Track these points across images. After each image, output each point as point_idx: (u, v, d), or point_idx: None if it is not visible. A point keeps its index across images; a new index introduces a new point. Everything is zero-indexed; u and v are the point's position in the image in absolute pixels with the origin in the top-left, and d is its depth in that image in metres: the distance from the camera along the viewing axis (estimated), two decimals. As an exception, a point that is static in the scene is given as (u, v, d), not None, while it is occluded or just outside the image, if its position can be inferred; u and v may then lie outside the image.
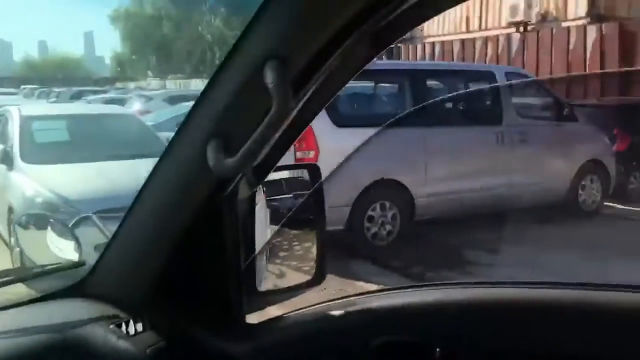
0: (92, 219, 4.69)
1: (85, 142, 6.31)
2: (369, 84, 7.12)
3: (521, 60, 12.31)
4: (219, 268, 1.15)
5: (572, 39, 11.75)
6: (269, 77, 0.89)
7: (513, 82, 7.42)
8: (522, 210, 6.00)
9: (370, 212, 5.95)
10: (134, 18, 43.72)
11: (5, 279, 1.21)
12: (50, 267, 1.29)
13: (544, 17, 13.28)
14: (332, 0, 0.89)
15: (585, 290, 1.20)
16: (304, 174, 1.32)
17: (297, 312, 1.27)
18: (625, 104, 9.23)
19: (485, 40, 13.32)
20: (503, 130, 6.66)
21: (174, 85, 31.61)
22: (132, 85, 33.51)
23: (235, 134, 0.98)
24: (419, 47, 14.92)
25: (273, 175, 1.17)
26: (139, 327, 1.15)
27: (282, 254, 1.95)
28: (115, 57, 50.54)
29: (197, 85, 26.13)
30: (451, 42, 14.12)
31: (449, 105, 7.27)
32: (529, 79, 8.05)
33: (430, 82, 7.23)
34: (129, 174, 4.69)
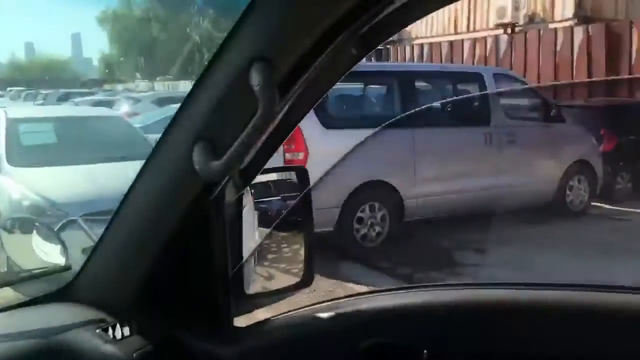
0: (78, 222, 4.66)
1: (73, 144, 6.24)
2: (358, 85, 7.13)
3: (509, 61, 12.40)
4: (206, 271, 1.15)
5: (559, 40, 11.86)
6: (255, 80, 0.88)
7: (502, 89, 7.44)
8: (511, 210, 6.03)
9: (359, 214, 5.96)
10: (121, 20, 43.53)
11: None
12: (36, 271, 1.27)
13: (531, 19, 13.37)
14: (320, 1, 0.88)
15: (571, 291, 1.21)
16: (292, 176, 1.32)
17: (285, 314, 1.26)
18: (612, 105, 9.31)
19: (474, 41, 13.40)
20: (491, 132, 6.70)
21: (162, 87, 31.40)
22: (120, 87, 33.32)
23: (221, 137, 0.97)
24: (408, 48, 14.97)
25: (260, 178, 1.16)
26: (126, 331, 1.13)
27: (270, 256, 1.94)
28: (103, 58, 50.36)
29: (186, 86, 25.97)
30: (439, 43, 14.18)
31: (437, 106, 7.29)
32: (518, 85, 8.08)
33: (419, 84, 7.25)
34: (116, 176, 4.65)
